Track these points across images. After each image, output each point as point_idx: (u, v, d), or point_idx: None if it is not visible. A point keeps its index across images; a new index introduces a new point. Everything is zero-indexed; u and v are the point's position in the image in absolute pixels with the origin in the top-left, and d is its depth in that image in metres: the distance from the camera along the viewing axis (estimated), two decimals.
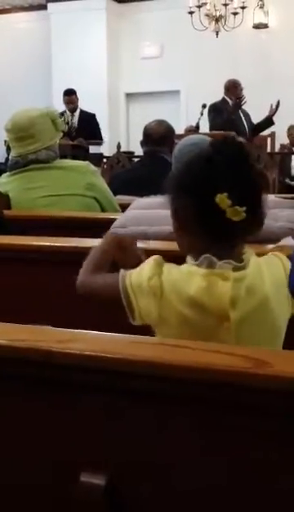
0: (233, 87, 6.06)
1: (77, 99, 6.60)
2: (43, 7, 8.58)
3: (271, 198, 2.04)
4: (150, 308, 0.99)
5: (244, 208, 0.92)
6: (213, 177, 0.94)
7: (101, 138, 6.47)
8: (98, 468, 0.82)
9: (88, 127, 6.39)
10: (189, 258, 1.02)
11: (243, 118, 6.08)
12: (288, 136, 7.04)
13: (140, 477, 0.83)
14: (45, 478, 0.88)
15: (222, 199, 0.92)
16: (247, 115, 6.07)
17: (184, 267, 1.01)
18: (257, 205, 0.98)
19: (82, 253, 1.55)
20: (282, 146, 7.01)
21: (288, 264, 1.01)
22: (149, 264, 1.02)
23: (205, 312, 0.97)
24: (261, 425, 0.76)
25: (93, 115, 6.61)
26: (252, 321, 0.98)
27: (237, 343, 0.98)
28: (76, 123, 6.45)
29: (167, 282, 0.99)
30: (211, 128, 5.87)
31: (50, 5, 8.46)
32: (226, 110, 5.99)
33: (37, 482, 0.88)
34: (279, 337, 1.03)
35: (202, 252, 0.99)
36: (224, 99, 6.09)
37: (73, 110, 6.49)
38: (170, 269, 1.01)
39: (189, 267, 1.00)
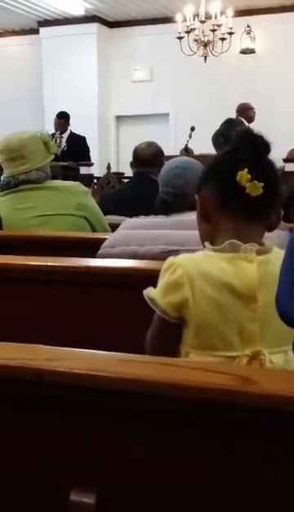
0: (246, 109, 6.20)
1: (69, 124, 6.65)
2: (35, 31, 8.69)
3: None
4: (186, 296, 1.02)
5: (262, 184, 1.00)
6: (234, 158, 1.04)
7: (89, 161, 6.50)
8: (88, 486, 0.82)
9: (77, 149, 6.41)
10: (207, 245, 1.07)
11: None
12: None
13: (129, 495, 0.83)
14: (34, 497, 0.87)
15: (242, 175, 1.00)
16: None
17: (199, 253, 1.07)
18: (274, 185, 1.04)
19: (73, 272, 1.57)
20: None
21: None
22: (163, 269, 1.06)
23: (234, 294, 1.01)
24: (249, 444, 0.77)
25: (83, 138, 6.64)
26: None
27: (261, 328, 1.01)
28: (64, 144, 6.48)
29: (190, 269, 1.03)
30: (218, 133, 5.95)
31: (42, 29, 8.57)
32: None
33: (26, 500, 0.88)
34: None
35: (225, 238, 1.04)
36: (239, 119, 6.21)
37: (62, 132, 6.53)
38: (186, 258, 1.06)
39: (207, 252, 1.05)
